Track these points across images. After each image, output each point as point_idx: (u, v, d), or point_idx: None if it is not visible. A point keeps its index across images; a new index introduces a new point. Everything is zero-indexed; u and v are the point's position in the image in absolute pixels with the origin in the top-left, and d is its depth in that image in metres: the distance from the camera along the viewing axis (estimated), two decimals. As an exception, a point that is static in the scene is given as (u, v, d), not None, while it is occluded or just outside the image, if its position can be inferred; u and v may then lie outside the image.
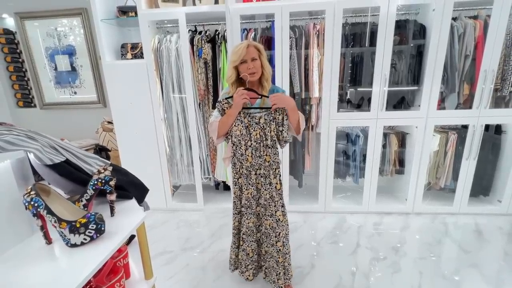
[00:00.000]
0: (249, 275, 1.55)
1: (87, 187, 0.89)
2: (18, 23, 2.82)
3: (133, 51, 2.32)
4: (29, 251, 0.78)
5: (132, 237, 1.18)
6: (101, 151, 2.74)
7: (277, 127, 1.34)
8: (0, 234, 0.77)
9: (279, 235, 1.41)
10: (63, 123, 3.09)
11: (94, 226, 0.77)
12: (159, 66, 2.26)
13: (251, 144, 1.34)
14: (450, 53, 2.00)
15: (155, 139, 2.34)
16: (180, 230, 2.22)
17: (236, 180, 1.44)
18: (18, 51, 2.93)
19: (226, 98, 1.36)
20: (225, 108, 1.35)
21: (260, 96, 1.34)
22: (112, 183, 0.90)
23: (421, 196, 2.28)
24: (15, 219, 0.81)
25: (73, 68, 2.92)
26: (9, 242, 0.80)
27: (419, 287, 1.56)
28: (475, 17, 2.05)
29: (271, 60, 2.06)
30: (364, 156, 2.28)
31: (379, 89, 2.06)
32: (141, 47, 2.23)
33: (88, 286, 0.83)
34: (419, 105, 2.09)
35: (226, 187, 2.72)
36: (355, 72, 2.21)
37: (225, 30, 2.13)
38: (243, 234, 1.48)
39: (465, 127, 2.19)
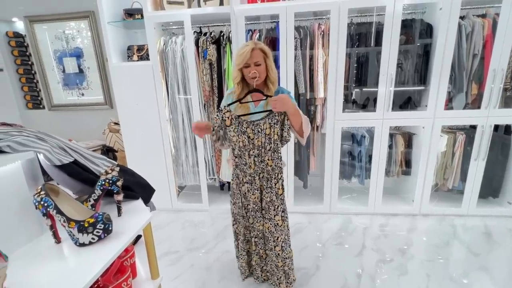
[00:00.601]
0: (265, 276, 1.57)
1: (95, 187, 0.90)
2: (27, 27, 2.88)
3: (139, 53, 2.35)
4: (38, 250, 0.80)
5: (138, 237, 1.19)
6: (108, 151, 2.78)
7: (280, 129, 1.32)
8: (11, 233, 0.79)
9: (277, 239, 1.41)
10: (71, 124, 3.15)
11: (102, 225, 0.79)
12: (164, 68, 2.28)
13: (254, 152, 1.33)
14: (457, 52, 1.97)
15: (160, 140, 2.36)
16: (186, 231, 2.23)
17: (240, 189, 1.41)
18: (27, 54, 3.00)
19: (228, 105, 1.32)
20: (225, 119, 1.30)
21: (265, 98, 1.33)
22: (119, 183, 0.91)
23: (428, 197, 2.25)
24: (25, 218, 0.83)
25: (81, 70, 2.96)
26: (19, 241, 0.82)
27: (426, 289, 1.54)
28: (483, 16, 2.01)
29: (276, 61, 2.05)
30: (370, 157, 2.26)
31: (385, 89, 2.04)
32: (147, 49, 2.26)
33: (95, 285, 0.84)
34: (426, 105, 2.06)
35: (231, 188, 2.73)
36: (361, 72, 2.20)
37: (230, 31, 2.14)
38: (255, 237, 1.47)
39: (473, 127, 2.15)
